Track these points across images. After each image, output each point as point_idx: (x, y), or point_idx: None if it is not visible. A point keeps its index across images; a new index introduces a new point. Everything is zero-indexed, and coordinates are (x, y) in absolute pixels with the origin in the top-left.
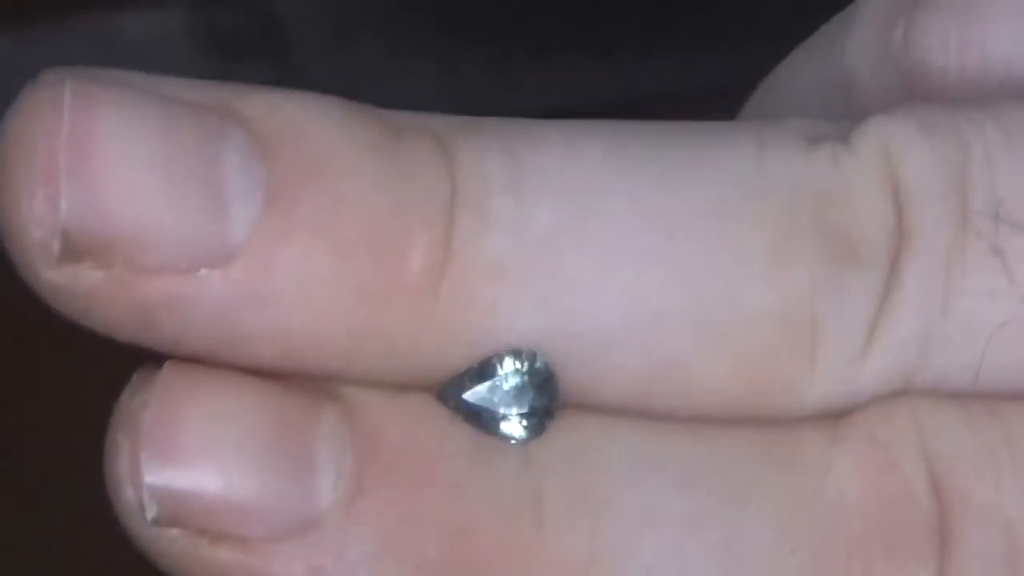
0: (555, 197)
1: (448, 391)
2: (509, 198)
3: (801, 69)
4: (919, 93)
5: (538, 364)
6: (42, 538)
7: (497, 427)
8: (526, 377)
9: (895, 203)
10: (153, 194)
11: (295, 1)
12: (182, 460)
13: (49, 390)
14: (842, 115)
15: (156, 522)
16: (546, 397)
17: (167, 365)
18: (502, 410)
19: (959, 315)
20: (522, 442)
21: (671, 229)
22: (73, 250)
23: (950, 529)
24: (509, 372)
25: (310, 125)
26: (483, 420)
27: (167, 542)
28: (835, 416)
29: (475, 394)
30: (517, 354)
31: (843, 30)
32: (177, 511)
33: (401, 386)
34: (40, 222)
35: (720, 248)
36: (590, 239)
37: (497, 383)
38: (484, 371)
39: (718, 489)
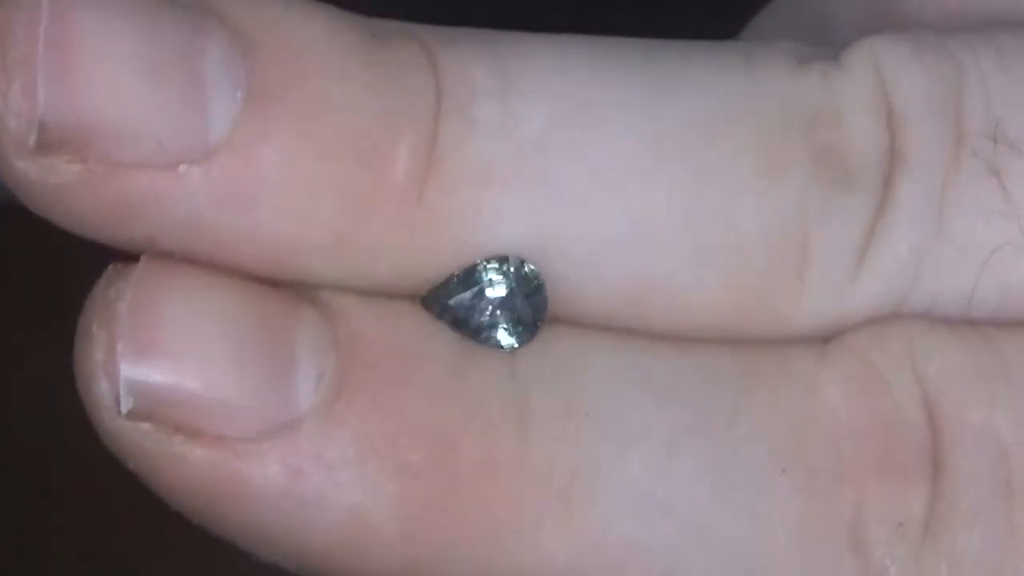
0: (544, 105)
1: (432, 298)
2: (496, 103)
3: (776, 13)
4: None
5: (526, 271)
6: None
7: (483, 334)
8: (513, 285)
9: (888, 123)
10: (132, 87)
11: None
12: (161, 354)
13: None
14: None
15: (130, 415)
16: (534, 306)
17: (144, 257)
18: (488, 318)
19: (953, 236)
20: (509, 351)
21: (662, 143)
22: (49, 142)
23: (943, 452)
24: (495, 279)
25: (294, 25)
26: (469, 327)
27: (139, 436)
28: (825, 338)
29: (460, 301)
30: (503, 261)
31: None
32: (153, 405)
33: (385, 292)
34: (17, 112)
35: (711, 164)
36: (580, 149)
37: (482, 290)
38: (469, 278)
39: (705, 405)
